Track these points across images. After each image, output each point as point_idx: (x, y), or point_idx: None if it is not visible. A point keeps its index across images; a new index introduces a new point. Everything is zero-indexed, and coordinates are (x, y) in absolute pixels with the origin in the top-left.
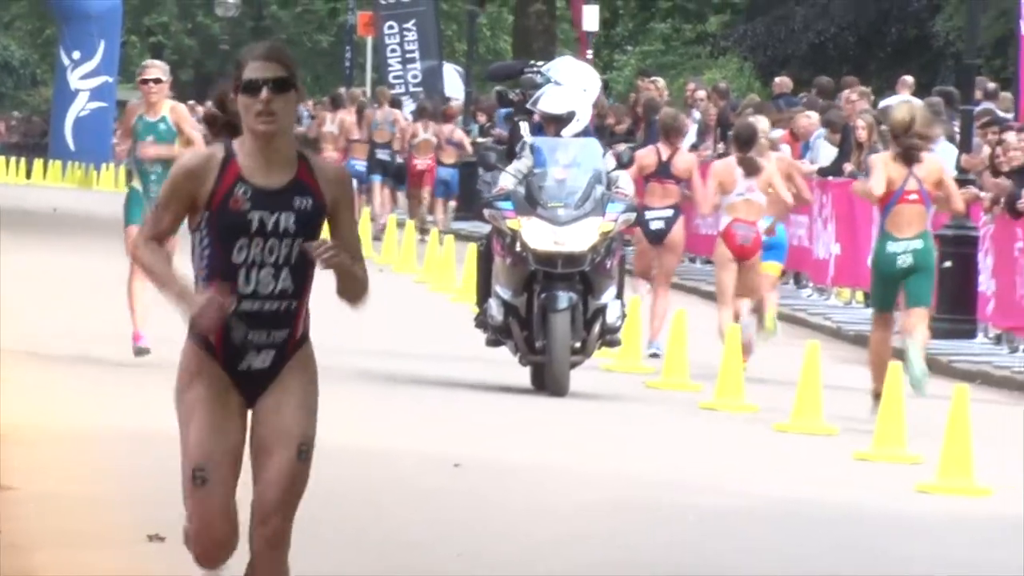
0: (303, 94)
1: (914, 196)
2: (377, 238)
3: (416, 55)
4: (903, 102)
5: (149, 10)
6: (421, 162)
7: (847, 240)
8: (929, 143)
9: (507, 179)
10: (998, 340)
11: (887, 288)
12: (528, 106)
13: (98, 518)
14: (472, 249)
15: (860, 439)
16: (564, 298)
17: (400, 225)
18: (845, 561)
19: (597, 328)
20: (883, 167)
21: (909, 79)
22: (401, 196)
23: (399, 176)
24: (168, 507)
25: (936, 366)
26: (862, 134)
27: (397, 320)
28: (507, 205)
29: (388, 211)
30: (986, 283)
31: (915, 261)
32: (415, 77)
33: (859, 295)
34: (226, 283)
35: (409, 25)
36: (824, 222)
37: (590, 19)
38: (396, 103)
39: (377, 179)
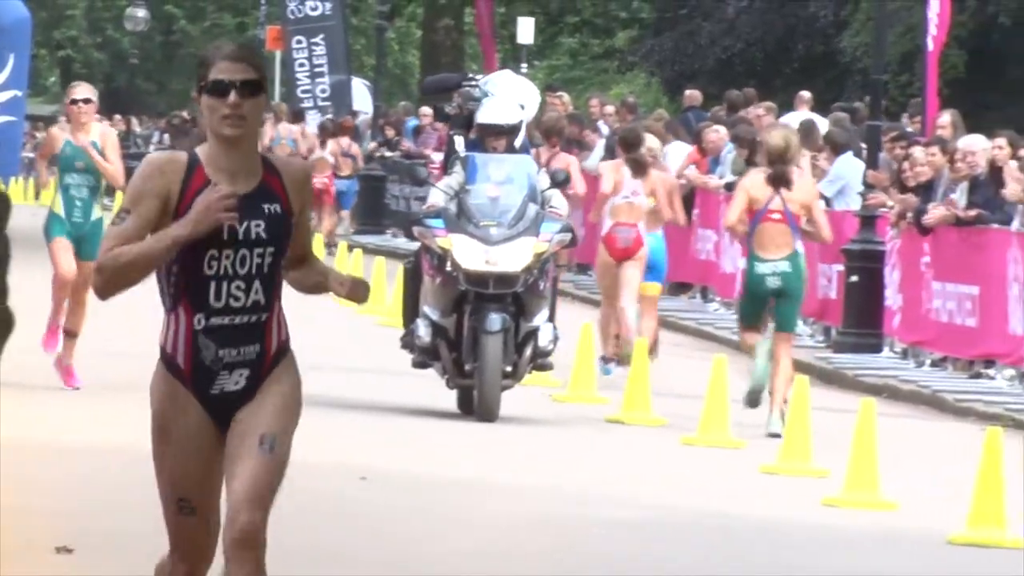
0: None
1: (777, 216)
2: None
3: (325, 69)
4: (779, 128)
5: (58, 24)
6: (319, 180)
7: None
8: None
9: (437, 195)
10: (904, 354)
11: (755, 306)
12: (476, 122)
13: (7, 529)
14: (380, 263)
15: (767, 452)
16: (497, 320)
17: None
18: (752, 574)
19: (529, 351)
20: (743, 194)
21: (807, 95)
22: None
23: None
24: (80, 519)
25: (842, 380)
26: None
27: (308, 333)
28: (437, 223)
29: None
30: (892, 297)
31: (783, 284)
32: (323, 91)
33: None
34: (196, 299)
35: (318, 39)
36: (731, 236)
37: (524, 31)
38: (299, 116)
39: None
